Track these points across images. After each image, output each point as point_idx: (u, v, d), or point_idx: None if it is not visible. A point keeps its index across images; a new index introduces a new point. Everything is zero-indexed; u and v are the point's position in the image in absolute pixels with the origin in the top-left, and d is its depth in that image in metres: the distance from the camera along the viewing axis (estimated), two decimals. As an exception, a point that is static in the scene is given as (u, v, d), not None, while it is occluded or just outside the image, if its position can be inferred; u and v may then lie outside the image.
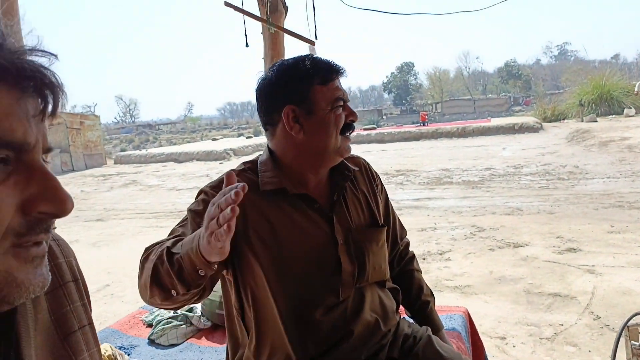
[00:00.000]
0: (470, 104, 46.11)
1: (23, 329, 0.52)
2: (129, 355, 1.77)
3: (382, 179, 1.44)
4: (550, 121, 20.49)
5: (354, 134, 1.26)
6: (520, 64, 61.34)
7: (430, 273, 4.27)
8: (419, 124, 25.25)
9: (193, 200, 1.18)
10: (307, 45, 3.57)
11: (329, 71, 1.17)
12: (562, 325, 3.15)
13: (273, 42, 3.03)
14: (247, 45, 3.35)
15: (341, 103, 1.17)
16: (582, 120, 18.09)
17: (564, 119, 20.59)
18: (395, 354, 1.21)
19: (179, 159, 19.40)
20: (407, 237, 1.53)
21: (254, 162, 1.24)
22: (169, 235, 1.11)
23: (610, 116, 18.95)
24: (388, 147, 18.26)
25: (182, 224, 1.14)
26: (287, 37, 3.26)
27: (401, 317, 1.35)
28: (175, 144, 32.66)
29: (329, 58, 1.20)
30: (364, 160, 1.41)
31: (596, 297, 3.46)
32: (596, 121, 17.26)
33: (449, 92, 57.84)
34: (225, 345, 1.50)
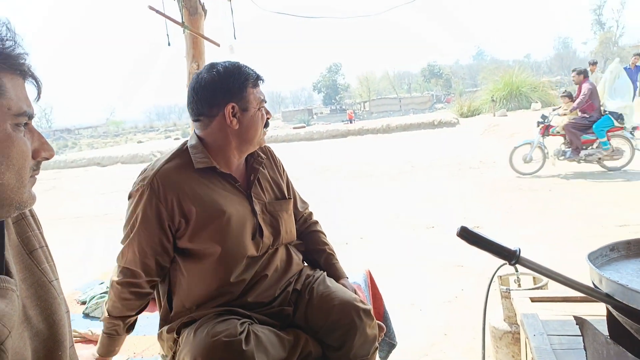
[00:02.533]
0: (396, 102, 47.86)
1: (6, 239, 0.77)
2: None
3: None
4: (466, 117, 21.75)
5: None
6: (441, 65, 64.27)
7: (352, 258, 4.63)
8: (346, 122, 26.06)
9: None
10: (227, 45, 3.83)
11: (257, 77, 1.48)
12: (462, 290, 3.61)
13: (193, 42, 3.25)
14: (169, 44, 3.58)
15: (264, 104, 1.50)
16: (494, 115, 19.39)
17: (478, 114, 21.93)
18: (299, 287, 1.56)
19: (102, 162, 18.64)
20: (309, 208, 1.85)
21: (181, 150, 1.50)
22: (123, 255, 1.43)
23: (520, 110, 20.48)
24: (317, 145, 18.69)
25: (131, 233, 1.41)
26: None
27: (305, 265, 1.70)
28: (97, 149, 31.34)
29: (252, 65, 1.50)
30: (269, 147, 1.73)
31: (491, 265, 3.96)
32: (506, 115, 18.60)
33: (376, 91, 59.56)
34: (156, 312, 1.71)
